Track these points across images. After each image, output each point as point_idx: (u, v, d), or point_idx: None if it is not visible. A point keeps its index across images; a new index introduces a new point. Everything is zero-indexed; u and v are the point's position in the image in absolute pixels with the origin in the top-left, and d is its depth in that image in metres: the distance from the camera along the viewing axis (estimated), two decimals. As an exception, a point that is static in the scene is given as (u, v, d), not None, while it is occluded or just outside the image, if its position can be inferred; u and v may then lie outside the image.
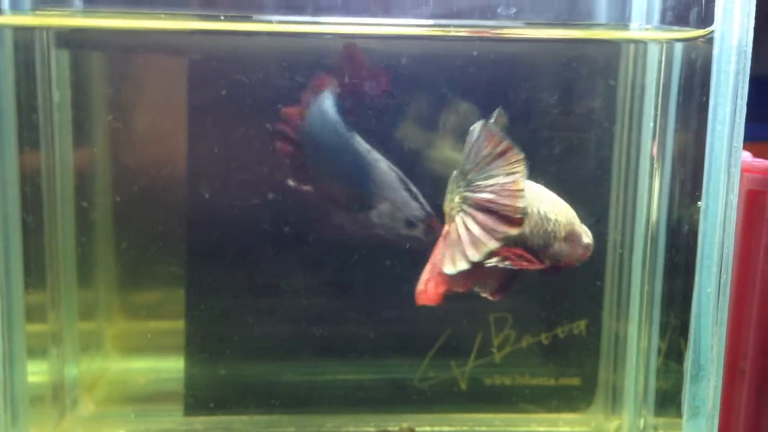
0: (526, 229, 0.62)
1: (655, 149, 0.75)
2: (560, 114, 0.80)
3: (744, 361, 0.67)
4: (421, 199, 0.72)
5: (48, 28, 0.78)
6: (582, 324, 0.86)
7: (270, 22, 0.66)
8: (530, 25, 0.75)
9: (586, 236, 0.65)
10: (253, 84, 0.78)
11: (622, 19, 0.77)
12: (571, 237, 0.64)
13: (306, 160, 0.74)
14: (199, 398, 0.86)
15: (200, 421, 0.86)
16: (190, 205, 0.84)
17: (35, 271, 0.79)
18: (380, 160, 0.71)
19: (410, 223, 0.71)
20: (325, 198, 0.75)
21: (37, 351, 0.80)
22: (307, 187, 0.75)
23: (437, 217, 0.71)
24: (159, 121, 0.85)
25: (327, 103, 0.72)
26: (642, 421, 0.78)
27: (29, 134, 0.77)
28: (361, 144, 0.72)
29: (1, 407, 0.73)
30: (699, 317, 0.62)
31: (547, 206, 0.63)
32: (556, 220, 0.63)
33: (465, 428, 0.86)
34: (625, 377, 0.81)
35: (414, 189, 0.71)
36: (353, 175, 0.72)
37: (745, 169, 0.66)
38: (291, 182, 0.75)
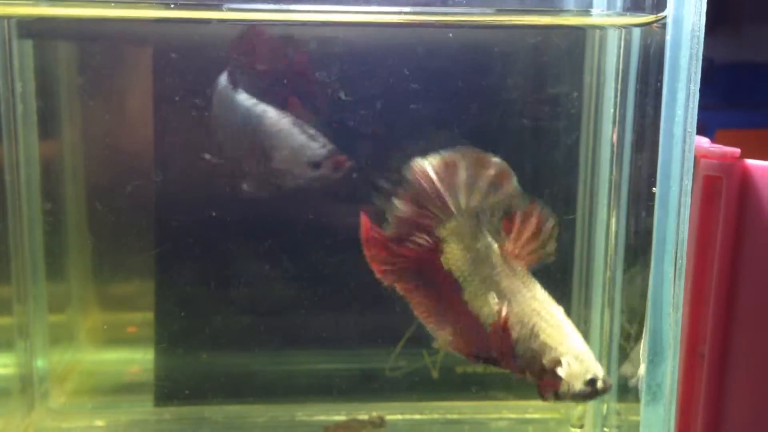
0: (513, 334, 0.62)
1: (615, 136, 0.75)
2: (528, 101, 0.80)
3: (703, 346, 0.68)
4: (321, 139, 0.70)
5: (9, 18, 0.77)
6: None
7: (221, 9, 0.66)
8: (498, 11, 0.75)
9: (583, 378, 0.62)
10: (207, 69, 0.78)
11: (585, 5, 0.77)
12: (553, 367, 0.62)
13: (218, 137, 0.75)
14: (169, 389, 0.86)
15: (170, 411, 0.86)
16: (159, 198, 0.84)
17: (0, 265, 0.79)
18: (268, 110, 0.71)
19: (315, 164, 0.70)
20: (236, 169, 0.75)
21: (2, 344, 0.80)
22: (220, 161, 0.75)
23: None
24: (126, 110, 0.85)
25: (221, 79, 0.73)
26: (605, 406, 0.78)
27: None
28: (247, 100, 0.72)
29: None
30: (656, 302, 0.62)
31: (542, 325, 0.62)
32: (544, 342, 0.62)
33: (436, 416, 0.87)
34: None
35: (312, 131, 0.70)
36: (247, 133, 0.71)
37: (702, 155, 0.67)
38: (207, 156, 0.75)
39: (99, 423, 0.85)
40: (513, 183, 0.62)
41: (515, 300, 0.62)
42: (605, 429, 0.77)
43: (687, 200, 0.61)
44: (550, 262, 0.65)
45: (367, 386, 0.88)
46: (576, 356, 0.61)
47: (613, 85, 0.74)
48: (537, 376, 0.62)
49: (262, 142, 0.71)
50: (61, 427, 0.85)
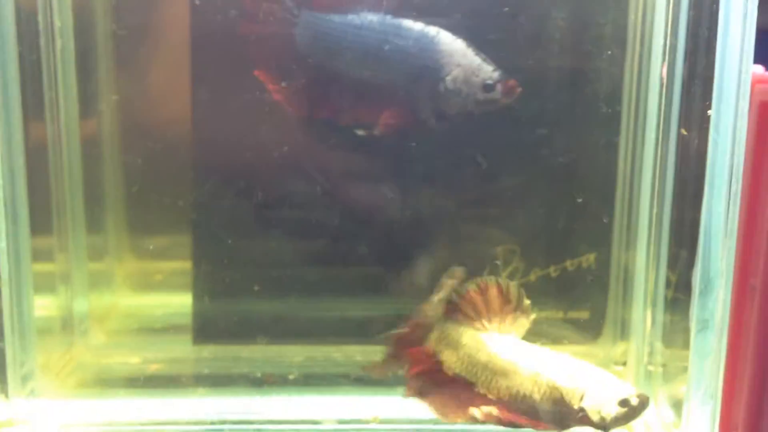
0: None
1: (664, 70, 0.73)
2: (569, 39, 0.78)
3: (755, 278, 0.66)
4: (492, 63, 0.68)
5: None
6: (591, 257, 0.85)
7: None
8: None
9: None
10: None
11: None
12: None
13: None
14: (207, 329, 0.87)
15: (209, 349, 0.86)
16: (198, 146, 0.84)
17: (42, 215, 0.80)
18: (441, 31, 0.68)
19: (488, 87, 0.68)
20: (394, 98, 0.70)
21: (45, 289, 0.82)
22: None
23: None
24: (164, 56, 0.85)
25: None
26: (648, 348, 0.77)
27: (32, 69, 0.76)
28: (416, 23, 0.68)
29: (9, 336, 0.74)
30: (708, 228, 0.61)
31: (554, 377, 0.64)
32: (563, 388, 0.64)
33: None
34: (633, 309, 0.80)
35: (483, 55, 0.68)
36: (415, 55, 0.68)
37: (757, 81, 0.65)
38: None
39: (137, 359, 0.86)
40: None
41: (520, 368, 0.65)
42: (650, 367, 0.76)
43: (743, 124, 0.59)
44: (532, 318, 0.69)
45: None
46: (594, 385, 0.63)
47: (663, 15, 0.72)
48: (580, 421, 0.64)
49: (436, 62, 0.68)
50: (101, 362, 0.86)
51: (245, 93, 0.79)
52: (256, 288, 0.86)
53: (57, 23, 0.79)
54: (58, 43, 0.79)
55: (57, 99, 0.80)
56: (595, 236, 0.83)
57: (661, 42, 0.73)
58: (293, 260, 0.87)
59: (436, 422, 0.75)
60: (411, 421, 0.76)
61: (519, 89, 0.68)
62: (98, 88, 0.84)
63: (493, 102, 0.68)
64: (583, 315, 0.87)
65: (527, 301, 0.69)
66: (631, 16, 0.77)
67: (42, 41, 0.77)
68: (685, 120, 0.70)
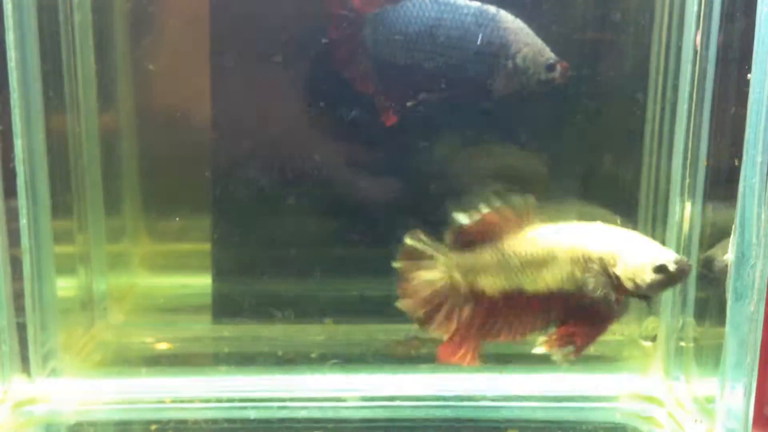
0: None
1: (698, 39, 0.71)
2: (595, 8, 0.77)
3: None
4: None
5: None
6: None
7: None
8: None
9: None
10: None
11: None
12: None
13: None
14: (226, 307, 0.86)
15: (228, 329, 0.86)
16: (216, 129, 0.83)
17: (62, 197, 0.79)
18: (500, 10, 0.68)
19: (550, 66, 0.68)
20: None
21: (65, 270, 0.81)
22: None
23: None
24: (183, 41, 0.84)
25: None
26: (680, 321, 0.76)
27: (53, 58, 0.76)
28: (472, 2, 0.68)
29: (31, 315, 0.74)
30: (744, 194, 0.59)
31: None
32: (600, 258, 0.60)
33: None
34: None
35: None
36: (476, 33, 0.68)
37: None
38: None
39: (157, 338, 0.86)
40: None
41: (555, 251, 0.62)
42: (681, 342, 0.75)
43: (782, 88, 0.57)
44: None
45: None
46: (629, 250, 0.59)
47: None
48: (617, 290, 0.60)
49: (505, 40, 0.68)
50: (121, 341, 0.86)
51: (265, 73, 0.79)
52: (275, 267, 0.85)
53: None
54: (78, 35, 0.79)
55: (76, 84, 0.79)
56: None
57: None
58: (313, 239, 0.86)
59: (461, 399, 0.75)
60: (437, 399, 0.75)
61: (569, 72, 0.69)
62: (116, 72, 0.83)
63: (551, 82, 0.69)
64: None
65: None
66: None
67: (62, 32, 0.77)
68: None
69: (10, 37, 0.68)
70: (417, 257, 0.66)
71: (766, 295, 0.60)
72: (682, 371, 0.74)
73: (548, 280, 0.62)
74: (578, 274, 0.61)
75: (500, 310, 0.64)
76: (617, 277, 0.60)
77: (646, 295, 0.60)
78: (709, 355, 0.71)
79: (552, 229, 0.63)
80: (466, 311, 0.65)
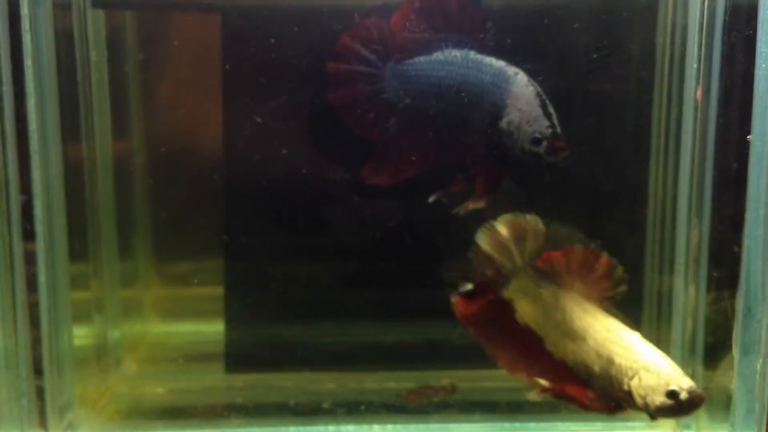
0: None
1: (699, 93, 0.73)
2: (596, 61, 0.79)
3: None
4: (554, 120, 0.67)
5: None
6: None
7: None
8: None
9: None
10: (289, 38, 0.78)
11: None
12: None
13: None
14: (239, 357, 0.87)
15: (242, 378, 0.86)
16: (229, 172, 0.84)
17: (78, 242, 0.80)
18: (520, 73, 0.68)
19: (536, 140, 0.67)
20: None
21: (81, 317, 0.82)
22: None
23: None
24: (195, 82, 0.86)
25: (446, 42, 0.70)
26: (690, 370, 0.76)
27: (69, 99, 0.77)
28: (497, 61, 0.69)
29: (48, 367, 0.74)
30: (749, 248, 0.60)
31: (616, 350, 0.63)
32: (620, 365, 0.62)
33: (505, 383, 0.86)
34: (672, 330, 0.79)
35: (550, 109, 0.68)
36: (485, 91, 0.68)
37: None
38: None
39: (170, 388, 0.86)
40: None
41: (589, 336, 0.64)
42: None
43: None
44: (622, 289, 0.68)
45: (435, 356, 0.87)
46: (648, 368, 0.61)
47: (696, 38, 0.72)
48: (626, 402, 0.62)
49: (502, 101, 0.68)
50: (134, 392, 0.86)
51: (277, 117, 0.80)
52: (288, 315, 0.86)
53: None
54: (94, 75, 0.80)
55: (93, 137, 0.81)
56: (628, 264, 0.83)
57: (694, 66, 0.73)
58: (326, 285, 0.87)
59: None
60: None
61: (566, 152, 0.67)
62: (129, 116, 0.85)
63: (537, 156, 0.67)
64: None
65: (620, 269, 0.67)
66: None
67: (79, 73, 0.78)
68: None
69: (32, 102, 0.70)
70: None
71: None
72: (693, 420, 0.75)
73: (567, 350, 0.65)
74: (596, 369, 0.62)
75: (517, 331, 0.67)
76: (629, 391, 0.61)
77: (652, 416, 0.61)
78: (720, 404, 0.71)
79: (600, 315, 0.65)
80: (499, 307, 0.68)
